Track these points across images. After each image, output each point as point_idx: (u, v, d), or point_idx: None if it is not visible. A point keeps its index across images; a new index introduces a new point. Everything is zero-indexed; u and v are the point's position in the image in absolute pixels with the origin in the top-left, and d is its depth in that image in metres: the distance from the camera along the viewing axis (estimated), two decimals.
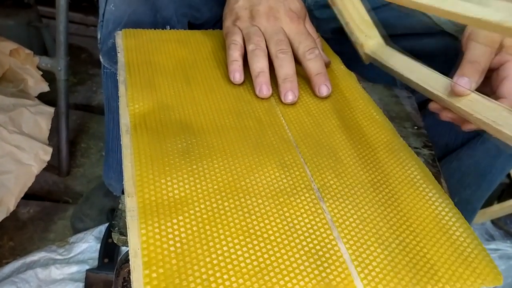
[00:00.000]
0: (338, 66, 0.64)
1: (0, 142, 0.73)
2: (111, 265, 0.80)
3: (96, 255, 0.84)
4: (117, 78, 0.55)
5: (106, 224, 0.88)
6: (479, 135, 0.69)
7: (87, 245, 0.86)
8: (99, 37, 0.73)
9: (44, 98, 1.03)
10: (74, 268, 0.82)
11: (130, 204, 0.39)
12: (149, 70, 0.57)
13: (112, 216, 0.89)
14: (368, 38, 0.62)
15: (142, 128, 0.47)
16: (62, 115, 0.99)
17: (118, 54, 0.59)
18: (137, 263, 0.34)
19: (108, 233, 0.85)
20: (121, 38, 0.62)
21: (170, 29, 0.69)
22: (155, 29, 0.65)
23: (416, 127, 0.62)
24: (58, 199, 1.01)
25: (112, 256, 0.82)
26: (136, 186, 0.41)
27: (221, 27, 0.78)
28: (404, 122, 0.63)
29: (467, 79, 0.48)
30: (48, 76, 1.00)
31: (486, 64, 0.49)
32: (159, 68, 0.57)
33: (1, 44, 0.98)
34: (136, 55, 0.59)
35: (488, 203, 1.03)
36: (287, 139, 0.49)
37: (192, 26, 0.73)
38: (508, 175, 1.01)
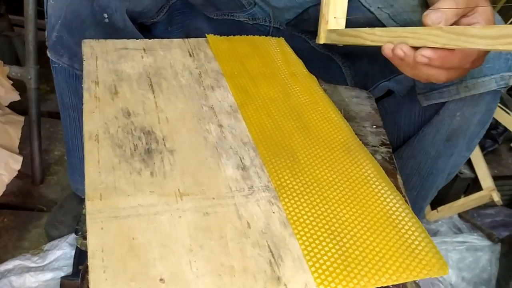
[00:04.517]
0: (301, 69, 0.66)
1: None
2: None
3: (71, 262, 0.85)
4: (82, 85, 0.56)
5: None
6: (417, 133, 0.72)
7: (62, 252, 0.86)
8: (46, 33, 0.73)
9: (17, 107, 1.03)
10: (48, 276, 0.82)
11: (90, 207, 0.40)
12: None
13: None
14: (336, 21, 0.62)
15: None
16: (33, 124, 0.99)
17: (84, 62, 0.60)
18: (94, 264, 0.36)
19: None
20: (86, 47, 0.63)
21: (108, 17, 0.69)
22: (94, 18, 0.66)
23: (375, 126, 0.65)
24: (33, 207, 1.01)
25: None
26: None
27: (166, 18, 0.77)
28: (364, 122, 0.65)
29: (440, 14, 0.48)
30: (21, 84, 1.00)
31: (463, 6, 0.48)
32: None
33: None
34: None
35: (454, 198, 1.06)
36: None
37: (132, 14, 0.73)
38: (472, 169, 1.05)
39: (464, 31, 0.42)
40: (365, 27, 0.58)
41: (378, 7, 0.66)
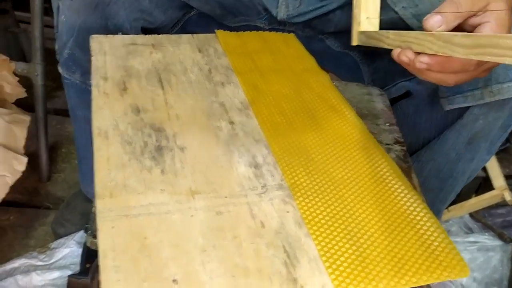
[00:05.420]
0: (313, 65, 0.65)
1: None
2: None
3: (78, 260, 0.83)
4: (91, 81, 0.55)
5: None
6: (438, 137, 0.71)
7: (69, 250, 0.85)
8: (56, 48, 0.73)
9: (24, 104, 1.02)
10: (55, 274, 0.82)
11: (100, 206, 0.39)
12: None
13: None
14: (369, 21, 0.61)
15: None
16: (40, 121, 0.99)
17: (92, 58, 0.59)
18: (106, 264, 0.35)
19: None
20: (95, 42, 0.62)
21: (123, 35, 0.69)
22: None
23: (388, 124, 0.63)
24: (39, 205, 1.00)
25: (94, 260, 0.81)
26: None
27: (181, 31, 0.77)
28: (377, 119, 0.64)
29: (440, 17, 0.46)
30: (28, 81, 0.99)
31: (467, 8, 0.46)
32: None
33: None
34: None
35: (465, 197, 1.05)
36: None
37: (146, 31, 0.73)
38: (484, 168, 1.03)
39: (450, 39, 0.41)
40: (390, 27, 0.57)
41: (403, 7, 0.65)
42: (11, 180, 0.73)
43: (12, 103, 0.99)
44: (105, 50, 0.61)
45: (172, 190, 0.42)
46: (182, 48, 0.64)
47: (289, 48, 0.68)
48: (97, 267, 0.46)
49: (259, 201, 0.42)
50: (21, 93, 0.99)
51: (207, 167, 0.45)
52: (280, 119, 0.54)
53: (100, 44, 0.62)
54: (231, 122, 0.52)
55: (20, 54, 1.34)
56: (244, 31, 0.74)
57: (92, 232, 0.43)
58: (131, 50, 0.62)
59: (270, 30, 0.77)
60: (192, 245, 0.37)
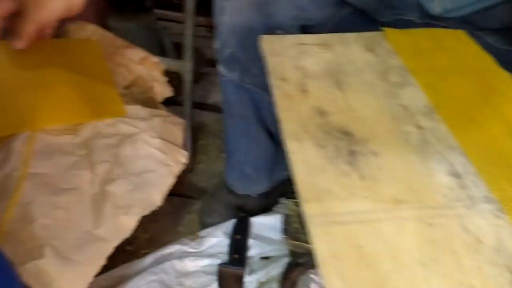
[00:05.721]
0: (492, 64, 0.60)
1: (143, 145, 0.79)
2: (240, 261, 0.83)
3: (225, 249, 0.87)
4: (270, 82, 0.56)
5: (233, 220, 0.91)
6: None
7: (217, 240, 0.90)
8: (217, 47, 0.76)
9: (166, 99, 1.09)
10: (206, 261, 0.86)
11: (310, 210, 0.40)
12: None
13: (239, 214, 0.92)
14: None
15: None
16: (187, 114, 1.04)
17: (267, 59, 0.60)
18: (329, 271, 0.35)
19: (235, 230, 0.88)
20: (265, 43, 0.63)
21: (283, 34, 0.69)
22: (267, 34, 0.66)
23: None
24: (184, 194, 1.06)
25: (240, 252, 0.84)
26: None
27: (333, 27, 0.75)
28: None
29: None
30: (169, 76, 1.05)
31: None
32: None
33: (131, 52, 1.04)
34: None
35: None
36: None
37: (304, 28, 0.73)
38: None
39: None
40: None
41: None
42: (176, 169, 0.78)
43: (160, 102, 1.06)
44: (277, 50, 0.62)
45: (376, 198, 0.41)
46: (350, 48, 0.63)
47: (463, 46, 0.64)
48: (291, 266, 0.47)
49: (469, 214, 0.40)
50: (169, 92, 1.05)
51: (406, 175, 0.44)
52: (471, 125, 0.50)
53: (270, 45, 0.63)
54: (419, 127, 0.50)
55: (160, 51, 1.42)
56: (395, 26, 0.71)
57: (291, 234, 0.44)
58: (302, 50, 0.62)
59: (423, 25, 0.73)
60: (410, 257, 0.36)
